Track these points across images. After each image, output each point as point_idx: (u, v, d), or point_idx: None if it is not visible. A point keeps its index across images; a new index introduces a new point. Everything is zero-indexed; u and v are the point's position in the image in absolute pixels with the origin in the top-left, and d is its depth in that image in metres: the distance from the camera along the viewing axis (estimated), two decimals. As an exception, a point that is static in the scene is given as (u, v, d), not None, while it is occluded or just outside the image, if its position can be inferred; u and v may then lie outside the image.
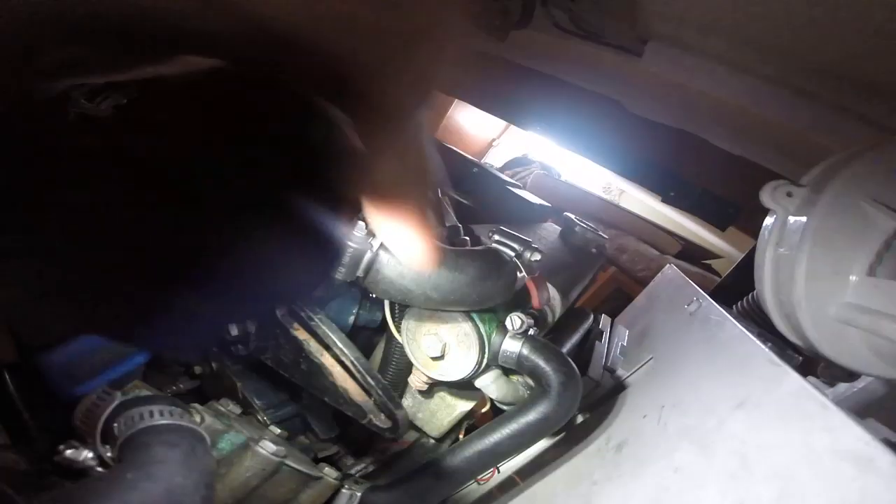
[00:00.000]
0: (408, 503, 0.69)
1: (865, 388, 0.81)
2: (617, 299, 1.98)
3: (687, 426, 0.59)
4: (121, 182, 0.19)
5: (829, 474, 0.38)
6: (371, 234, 0.56)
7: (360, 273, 0.57)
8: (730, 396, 0.57)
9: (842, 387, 0.82)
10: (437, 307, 0.64)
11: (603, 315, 1.14)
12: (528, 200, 1.48)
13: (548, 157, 3.42)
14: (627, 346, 0.99)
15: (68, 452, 0.53)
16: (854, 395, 0.81)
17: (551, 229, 1.29)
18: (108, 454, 0.53)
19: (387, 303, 0.70)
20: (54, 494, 0.38)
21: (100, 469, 0.54)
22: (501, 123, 3.90)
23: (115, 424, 0.54)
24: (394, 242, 0.22)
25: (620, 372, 0.88)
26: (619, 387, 0.83)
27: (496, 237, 0.66)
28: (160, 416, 0.54)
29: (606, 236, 1.27)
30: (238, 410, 0.71)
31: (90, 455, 0.54)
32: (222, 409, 0.69)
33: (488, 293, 0.60)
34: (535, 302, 0.68)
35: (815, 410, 0.45)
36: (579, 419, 0.81)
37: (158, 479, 0.44)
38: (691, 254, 2.32)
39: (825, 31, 0.81)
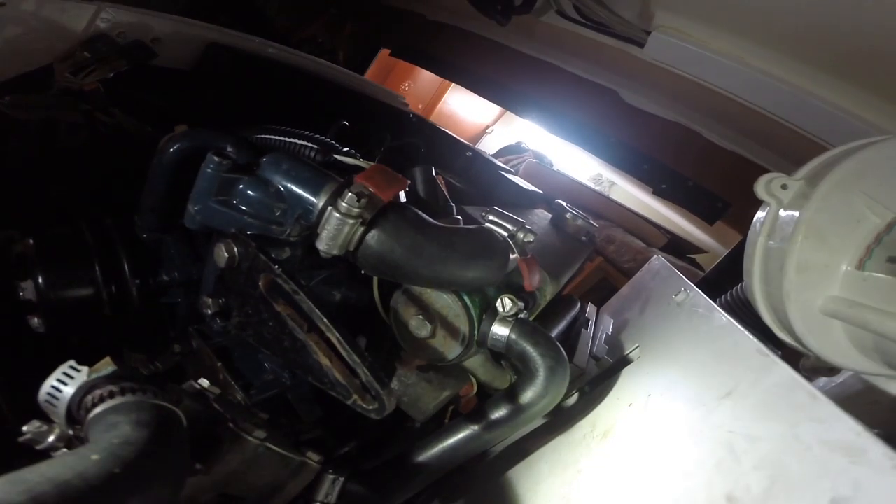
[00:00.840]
0: (392, 489, 0.68)
1: (843, 382, 0.82)
2: (602, 289, 2.00)
3: (674, 415, 0.59)
4: None
5: (819, 465, 0.38)
6: (364, 207, 0.54)
7: (350, 248, 0.55)
8: (717, 386, 0.56)
9: (821, 381, 0.84)
10: (427, 285, 0.63)
11: (589, 304, 1.14)
12: (520, 186, 1.47)
13: (541, 146, 3.42)
14: (613, 336, 0.99)
15: (31, 433, 0.50)
16: (832, 390, 0.82)
17: (542, 215, 1.28)
18: (76, 434, 0.51)
19: (375, 281, 0.68)
20: (8, 475, 0.35)
21: (66, 451, 0.51)
22: (495, 111, 3.87)
23: (83, 403, 0.51)
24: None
25: (606, 360, 0.88)
26: (605, 374, 0.83)
27: (490, 217, 0.64)
28: (132, 394, 0.51)
29: (596, 225, 1.27)
30: (217, 391, 0.69)
31: (56, 436, 0.51)
32: (201, 389, 0.66)
33: (480, 273, 0.59)
34: (527, 284, 0.66)
35: (805, 401, 0.45)
36: (565, 406, 0.81)
37: (126, 461, 0.41)
38: (677, 247, 2.35)
39: (830, 30, 0.80)
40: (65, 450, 0.51)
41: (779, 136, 1.17)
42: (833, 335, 0.66)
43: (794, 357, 0.82)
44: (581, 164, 3.53)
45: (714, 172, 1.46)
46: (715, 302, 1.00)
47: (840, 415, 0.40)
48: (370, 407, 0.56)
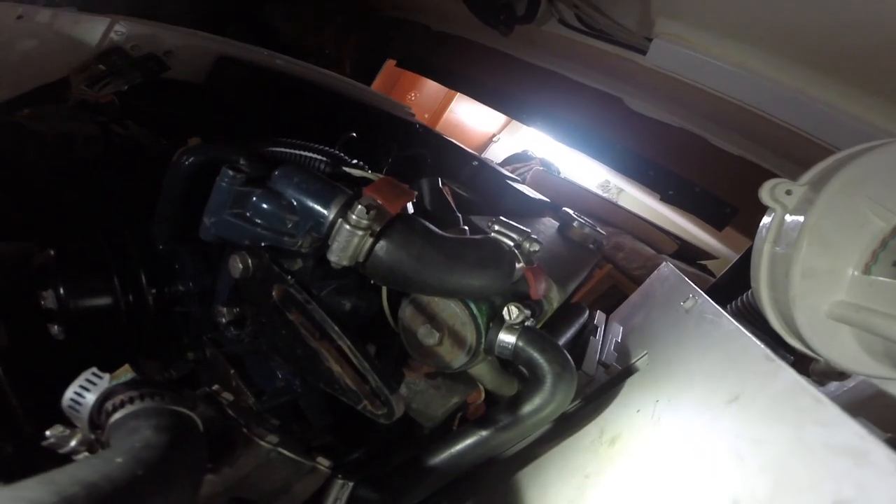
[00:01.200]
0: (400, 495, 0.69)
1: (855, 387, 0.81)
2: (612, 297, 1.99)
3: (681, 421, 0.59)
4: None
5: (823, 469, 0.39)
6: (372, 219, 0.55)
7: (360, 259, 0.56)
8: (724, 391, 0.57)
9: (832, 386, 0.83)
10: (434, 294, 0.64)
11: (598, 311, 1.14)
12: (526, 195, 1.48)
13: (548, 154, 3.43)
14: (622, 343, 0.99)
15: (55, 437, 0.52)
16: (844, 395, 0.82)
17: (549, 224, 1.29)
18: (97, 438, 0.52)
19: (384, 290, 0.69)
20: (39, 477, 0.36)
21: (87, 454, 0.53)
22: (501, 119, 3.89)
23: (105, 408, 0.53)
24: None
25: (615, 367, 0.88)
26: (613, 381, 0.83)
27: (496, 227, 0.66)
28: (151, 400, 0.53)
29: (604, 233, 1.27)
30: (231, 397, 0.71)
31: (78, 440, 0.53)
32: (215, 395, 0.68)
33: (486, 282, 0.60)
34: (534, 292, 0.67)
35: (810, 405, 0.45)
36: (573, 412, 0.81)
37: (148, 464, 0.43)
38: (687, 254, 2.34)
39: (834, 35, 0.81)
40: (86, 453, 0.53)
41: (784, 140, 1.17)
42: (841, 339, 0.66)
43: (804, 362, 0.82)
44: (588, 171, 3.53)
45: (721, 178, 1.46)
46: (725, 308, 1.00)
47: (844, 418, 0.41)
48: (379, 412, 0.57)
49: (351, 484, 0.68)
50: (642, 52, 1.17)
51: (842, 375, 0.80)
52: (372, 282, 0.65)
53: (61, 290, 0.77)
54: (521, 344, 0.65)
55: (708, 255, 2.45)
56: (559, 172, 3.22)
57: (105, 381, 0.55)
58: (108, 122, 1.03)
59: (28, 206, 0.95)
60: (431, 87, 3.43)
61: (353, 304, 0.69)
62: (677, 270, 1.08)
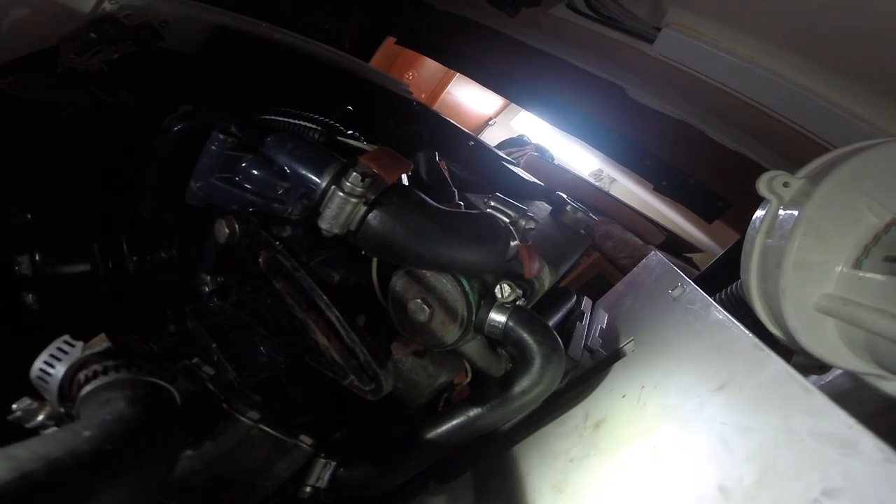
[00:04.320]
0: (383, 475, 0.68)
1: (832, 381, 0.83)
2: (598, 285, 2.00)
3: (667, 406, 0.59)
4: None
5: (811, 457, 0.39)
6: (367, 187, 0.53)
7: (352, 227, 0.54)
8: (711, 379, 0.57)
9: (811, 379, 0.84)
10: (427, 268, 0.63)
11: (585, 297, 1.14)
12: (521, 177, 1.46)
13: (543, 140, 3.41)
14: (608, 329, 0.99)
15: (21, 411, 0.49)
16: (821, 388, 0.83)
17: (542, 207, 1.27)
18: (67, 412, 0.50)
19: (374, 264, 0.68)
20: None
21: (56, 429, 0.50)
22: (498, 103, 3.85)
23: (76, 379, 0.50)
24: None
25: (600, 352, 0.88)
26: (599, 367, 0.83)
27: (492, 203, 0.64)
28: (127, 371, 0.51)
29: (596, 218, 1.27)
30: (211, 371, 0.69)
31: (46, 414, 0.50)
32: (195, 369, 0.66)
33: (481, 256, 0.59)
34: (527, 271, 0.66)
35: (798, 394, 0.45)
36: (558, 396, 0.82)
37: (119, 438, 0.40)
38: (674, 246, 2.36)
39: (848, 34, 0.79)
40: (55, 428, 0.50)
41: (784, 138, 1.17)
42: (825, 332, 0.66)
43: (787, 355, 0.83)
44: (582, 160, 3.53)
45: (716, 171, 1.46)
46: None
47: (833, 408, 0.41)
48: (367, 388, 0.56)
49: (333, 463, 0.67)
50: (649, 41, 1.15)
51: (821, 369, 0.82)
52: (363, 253, 0.64)
53: (37, 256, 0.74)
54: (511, 323, 0.64)
55: (694, 248, 2.47)
56: (553, 159, 3.21)
57: (77, 351, 0.52)
58: (97, 90, 0.99)
59: (12, 174, 0.92)
60: (429, 68, 3.36)
61: (342, 276, 0.68)
62: (665, 259, 1.08)
